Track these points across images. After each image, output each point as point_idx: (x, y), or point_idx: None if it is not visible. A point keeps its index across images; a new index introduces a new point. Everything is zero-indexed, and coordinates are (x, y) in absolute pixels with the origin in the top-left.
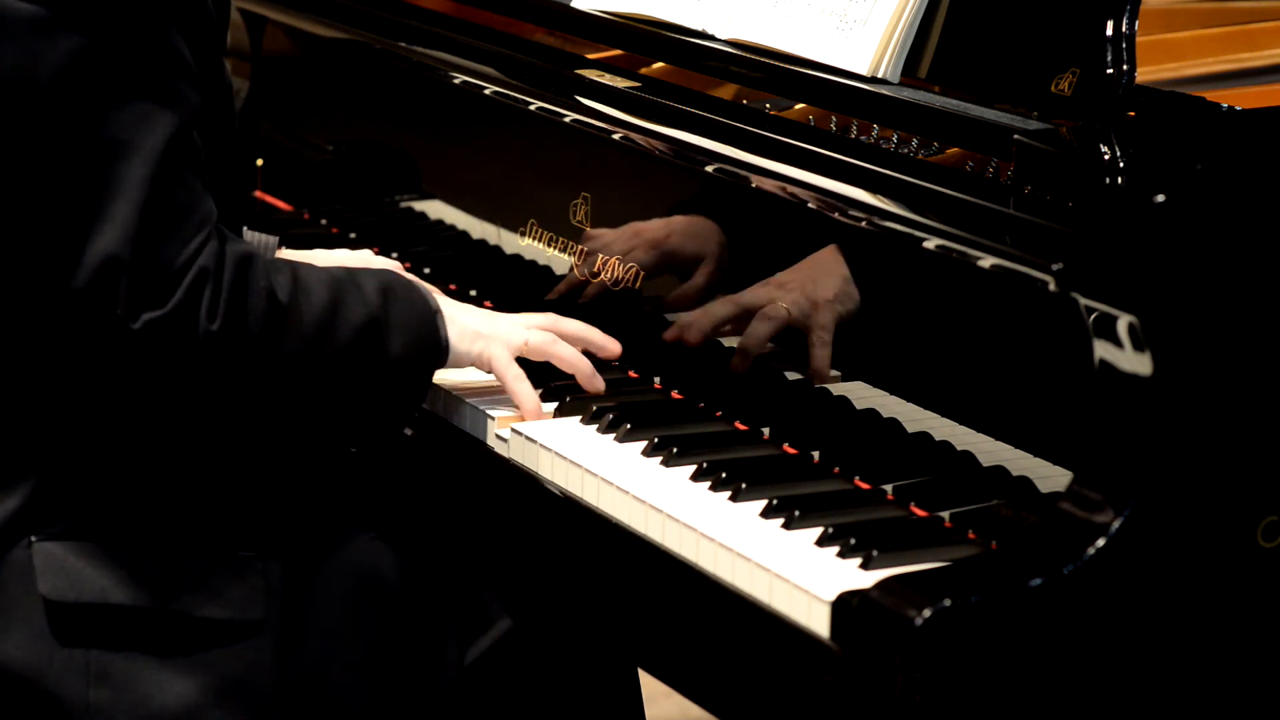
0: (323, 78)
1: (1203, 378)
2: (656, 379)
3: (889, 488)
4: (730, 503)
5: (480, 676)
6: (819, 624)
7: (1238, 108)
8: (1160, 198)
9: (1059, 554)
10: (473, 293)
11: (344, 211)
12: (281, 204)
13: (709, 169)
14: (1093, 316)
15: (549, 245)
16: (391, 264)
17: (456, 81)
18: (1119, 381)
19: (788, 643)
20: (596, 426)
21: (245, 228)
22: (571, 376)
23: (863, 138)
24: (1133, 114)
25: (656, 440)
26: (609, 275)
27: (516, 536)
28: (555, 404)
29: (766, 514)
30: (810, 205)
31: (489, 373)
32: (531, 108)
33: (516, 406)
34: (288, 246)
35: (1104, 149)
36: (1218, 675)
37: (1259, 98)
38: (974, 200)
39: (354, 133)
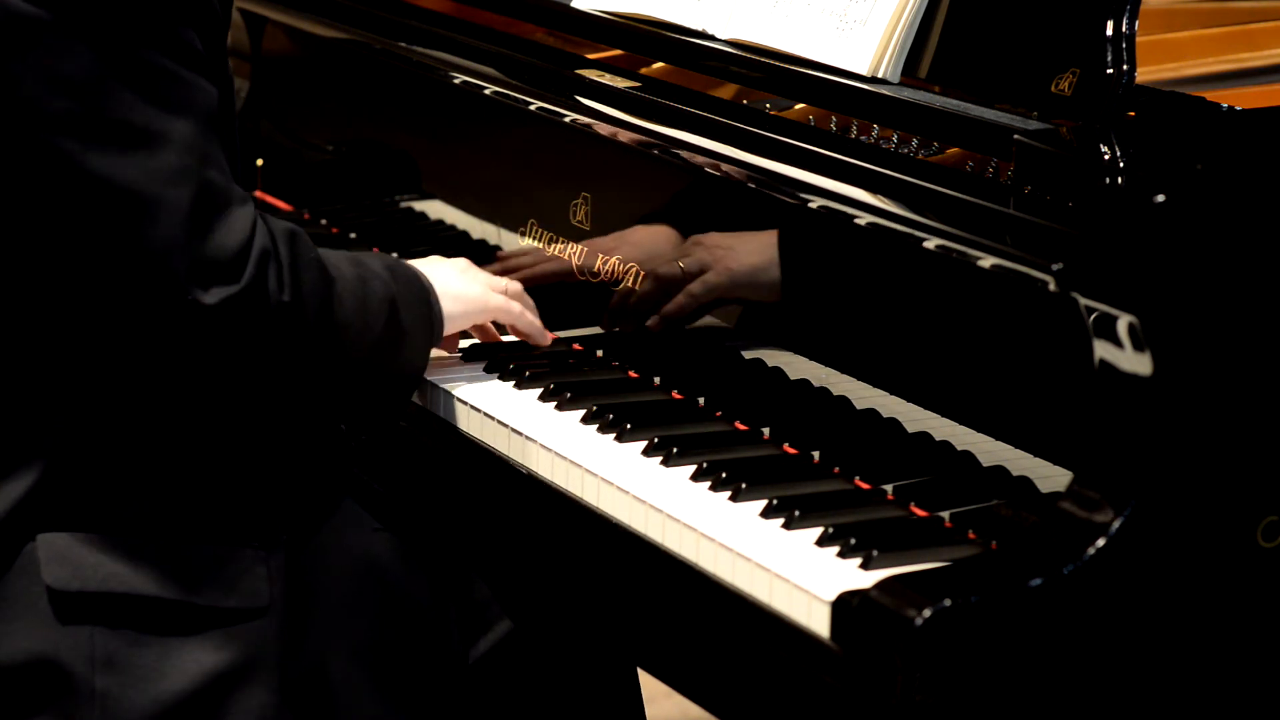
0: (323, 78)
1: (1203, 378)
2: (656, 379)
3: (889, 488)
4: (730, 503)
5: (481, 676)
6: (819, 624)
7: (1238, 108)
8: (1160, 198)
9: (1059, 554)
10: None
11: (344, 211)
12: (281, 204)
13: (709, 169)
14: (1093, 316)
15: (549, 245)
16: None
17: (456, 81)
18: (1119, 381)
19: (788, 643)
20: (597, 426)
21: None
22: (570, 373)
23: (863, 138)
24: (1133, 114)
25: (656, 440)
26: (609, 274)
27: (516, 536)
28: (555, 402)
29: (766, 514)
30: (810, 205)
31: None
32: (531, 108)
33: (526, 337)
34: None
35: (1104, 149)
36: (1218, 675)
37: (1259, 98)
38: (974, 200)
39: (354, 133)
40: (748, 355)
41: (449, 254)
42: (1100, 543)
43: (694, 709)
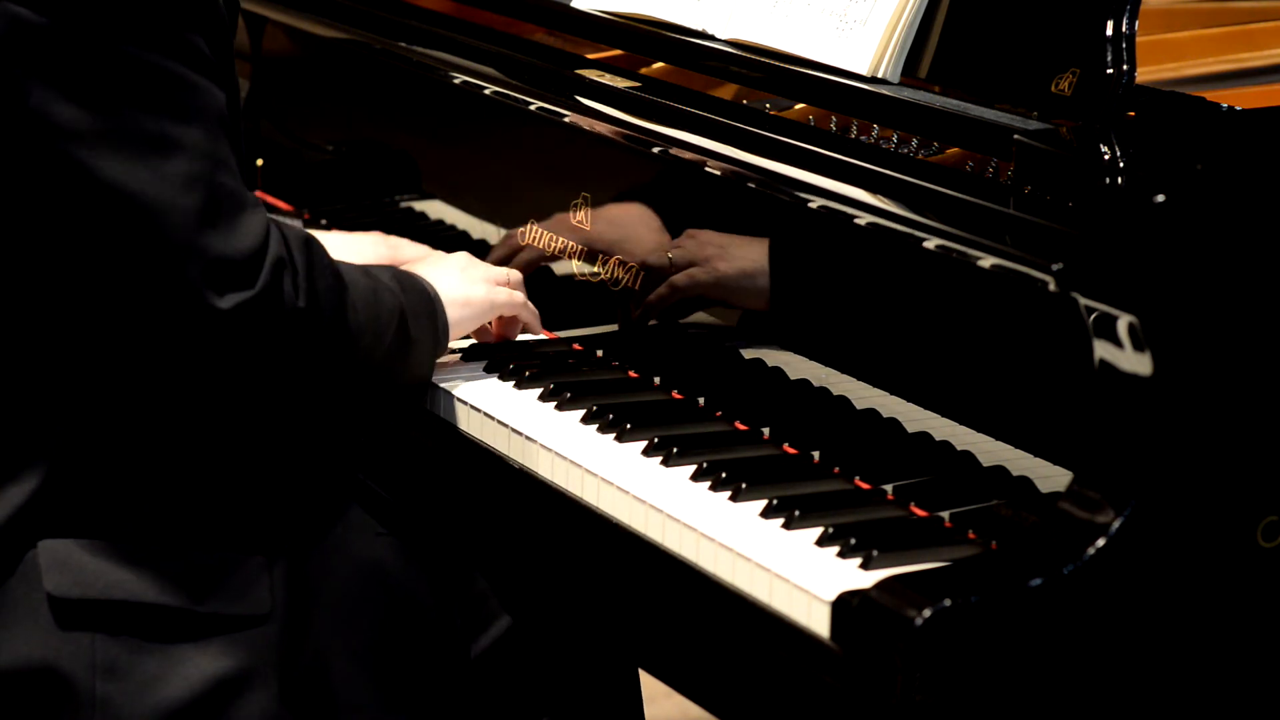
0: (323, 78)
1: (1203, 378)
2: (656, 379)
3: (889, 488)
4: (730, 503)
5: (480, 676)
6: (819, 624)
7: (1238, 108)
8: (1160, 198)
9: (1059, 554)
10: None
11: (344, 211)
12: (281, 204)
13: (709, 169)
14: (1093, 316)
15: (549, 245)
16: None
17: (456, 81)
18: (1119, 381)
19: (788, 643)
20: (597, 426)
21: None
22: (570, 372)
23: (863, 138)
24: (1133, 114)
25: (656, 440)
26: (609, 275)
27: (516, 536)
28: (555, 402)
29: (766, 514)
30: (810, 205)
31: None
32: (531, 108)
33: (527, 328)
34: None
35: (1104, 149)
36: (1218, 675)
37: (1259, 98)
38: (974, 200)
39: (354, 133)
40: (748, 355)
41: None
42: (1100, 543)
43: (694, 709)
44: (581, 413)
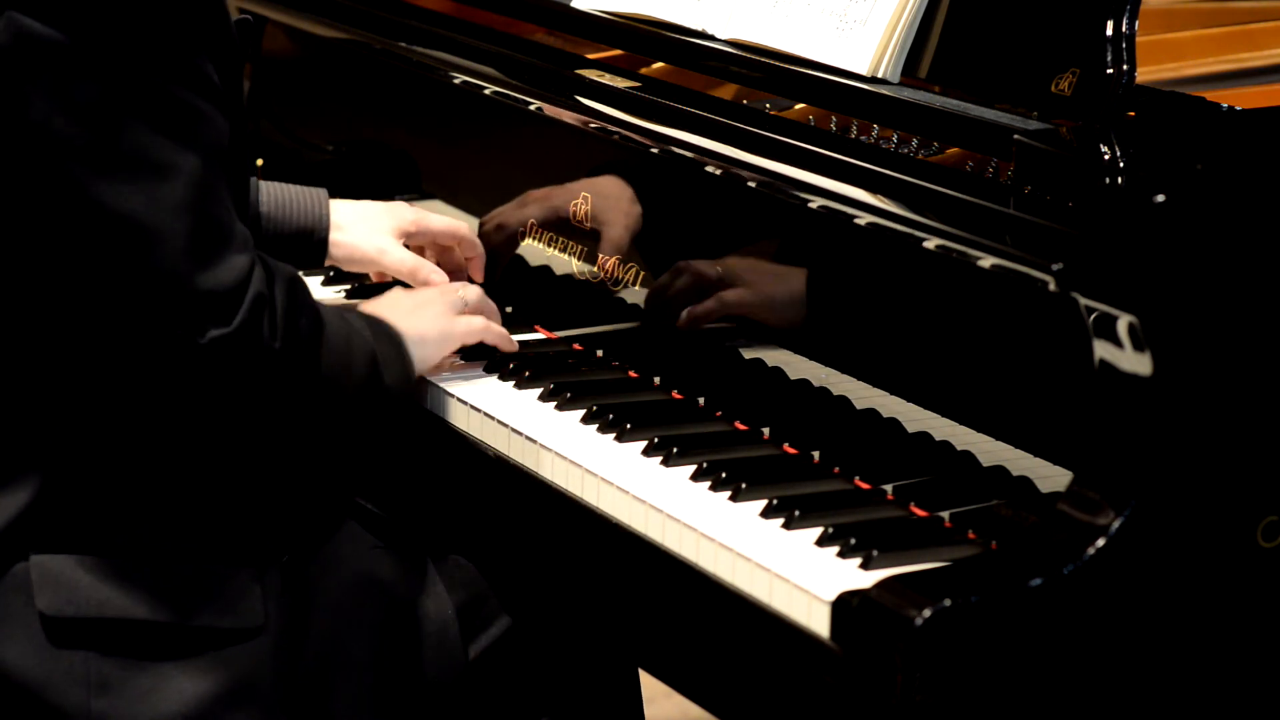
0: (323, 78)
1: (1203, 378)
2: (656, 379)
3: (889, 488)
4: (730, 503)
5: (480, 676)
6: (819, 624)
7: (1238, 108)
8: (1160, 198)
9: (1059, 554)
10: None
11: None
12: None
13: (709, 169)
14: (1093, 316)
15: (549, 245)
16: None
17: (456, 81)
18: (1119, 381)
19: (788, 643)
20: (597, 426)
21: (291, 185)
22: (570, 373)
23: (863, 138)
24: (1133, 114)
25: (656, 440)
26: (609, 275)
27: (516, 535)
28: (555, 402)
29: (766, 514)
30: (810, 205)
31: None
32: (531, 108)
33: (495, 346)
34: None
35: (1104, 149)
36: (1218, 675)
37: (1259, 98)
38: (974, 200)
39: (354, 133)
40: (748, 355)
41: None
42: (1100, 543)
43: (694, 709)
44: (581, 412)
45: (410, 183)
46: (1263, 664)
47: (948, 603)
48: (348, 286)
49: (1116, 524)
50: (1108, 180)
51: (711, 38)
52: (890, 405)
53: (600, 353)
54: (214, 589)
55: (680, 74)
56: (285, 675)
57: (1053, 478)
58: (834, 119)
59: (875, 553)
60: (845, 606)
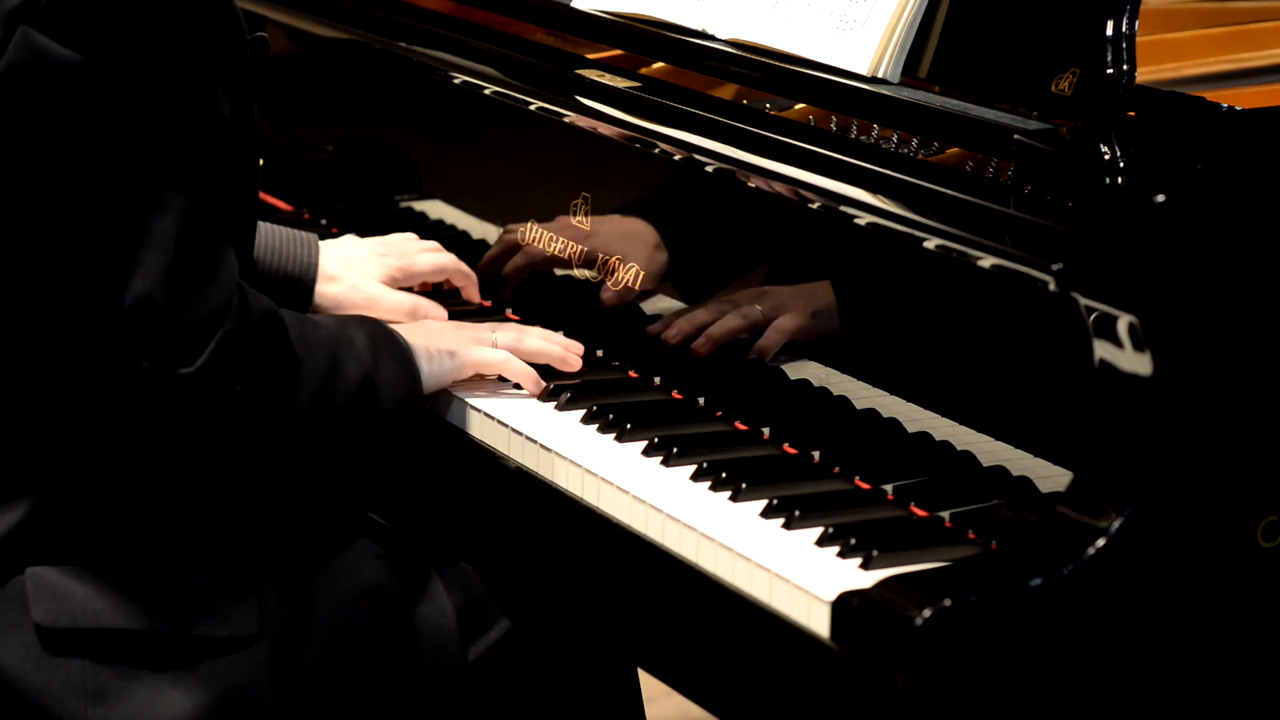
0: (323, 78)
1: (1203, 378)
2: (656, 379)
3: (889, 488)
4: (730, 503)
5: (480, 677)
6: (819, 624)
7: (1238, 108)
8: (1160, 198)
9: (1059, 554)
10: None
11: (344, 211)
12: (281, 204)
13: (709, 169)
14: (1093, 316)
15: (549, 245)
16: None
17: (456, 81)
18: (1119, 381)
19: (788, 643)
20: (597, 426)
21: (282, 227)
22: (569, 374)
23: (863, 138)
24: (1133, 114)
25: (656, 440)
26: (609, 275)
27: (516, 535)
28: (555, 402)
29: (766, 514)
30: (810, 205)
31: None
32: (531, 108)
33: (519, 386)
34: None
35: (1104, 149)
36: (1218, 675)
37: (1259, 98)
38: (974, 200)
39: (354, 133)
40: (748, 355)
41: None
42: (1100, 543)
43: (694, 709)
44: (582, 413)
45: (410, 183)
46: (1263, 664)
47: (948, 603)
48: None
49: (1116, 524)
50: (1108, 180)
51: (711, 38)
52: (890, 405)
53: (600, 353)
54: (211, 599)
55: (680, 74)
56: (283, 684)
57: (1053, 478)
58: (834, 119)
59: (875, 553)
60: (845, 606)
